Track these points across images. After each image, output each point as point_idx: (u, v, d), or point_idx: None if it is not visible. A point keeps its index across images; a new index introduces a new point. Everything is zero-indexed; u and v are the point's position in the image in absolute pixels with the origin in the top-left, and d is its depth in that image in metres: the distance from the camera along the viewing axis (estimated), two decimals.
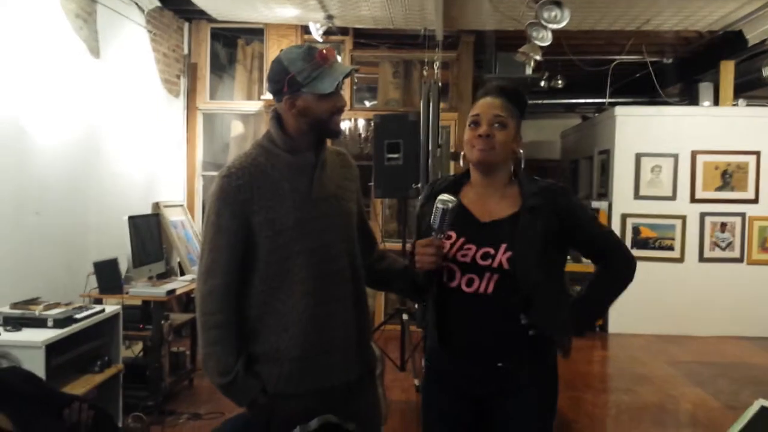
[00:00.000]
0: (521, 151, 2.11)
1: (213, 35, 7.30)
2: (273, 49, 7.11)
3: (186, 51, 7.13)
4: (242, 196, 1.93)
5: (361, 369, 2.09)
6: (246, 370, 1.95)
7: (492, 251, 1.99)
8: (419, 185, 5.02)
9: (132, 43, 5.86)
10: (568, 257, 2.25)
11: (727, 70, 7.64)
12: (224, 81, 7.73)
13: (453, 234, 2.02)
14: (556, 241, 2.02)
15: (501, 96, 2.07)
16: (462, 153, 2.15)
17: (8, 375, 2.00)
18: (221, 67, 7.68)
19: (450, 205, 1.94)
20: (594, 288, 2.12)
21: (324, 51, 1.96)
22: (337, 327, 2.01)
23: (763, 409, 1.89)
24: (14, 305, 3.65)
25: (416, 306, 5.39)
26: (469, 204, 2.06)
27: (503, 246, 1.98)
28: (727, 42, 7.14)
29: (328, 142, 2.12)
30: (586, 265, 6.78)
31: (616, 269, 2.11)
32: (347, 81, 7.21)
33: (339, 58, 2.28)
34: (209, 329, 1.96)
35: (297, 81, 1.92)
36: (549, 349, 2.05)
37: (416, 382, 4.75)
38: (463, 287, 2.01)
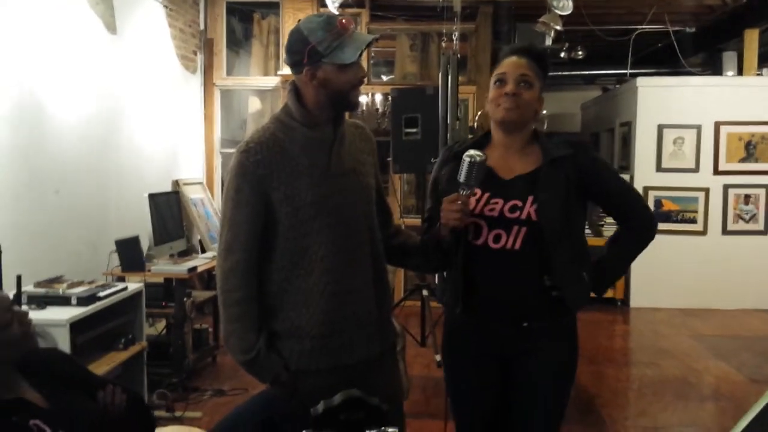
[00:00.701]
0: (544, 111, 2.11)
1: (229, 10, 7.25)
2: (289, 23, 7.05)
3: (202, 26, 7.09)
4: (261, 171, 1.91)
5: (383, 345, 2.08)
6: (268, 347, 1.95)
7: (519, 203, 2.00)
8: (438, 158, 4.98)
9: (148, 18, 5.83)
10: (587, 231, 2.25)
11: (752, 38, 7.47)
12: (241, 56, 7.69)
13: (478, 191, 2.02)
14: (578, 192, 2.04)
15: (526, 56, 2.07)
16: (478, 118, 2.15)
17: (48, 356, 2.03)
18: (237, 42, 7.64)
19: (478, 158, 1.92)
20: (615, 247, 2.16)
21: (344, 20, 1.92)
22: (357, 303, 2.00)
23: None
24: (38, 284, 3.68)
25: (436, 281, 5.39)
26: (492, 163, 2.05)
27: (530, 198, 1.99)
28: (752, 10, 6.99)
29: (346, 115, 2.10)
30: (606, 239, 6.74)
31: (637, 228, 2.15)
32: (365, 55, 7.13)
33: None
34: (230, 306, 1.95)
35: (318, 51, 1.88)
36: (570, 310, 2.07)
37: (437, 357, 4.74)
38: (491, 243, 2.02)
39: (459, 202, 1.94)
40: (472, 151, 1.94)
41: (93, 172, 4.85)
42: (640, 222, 2.14)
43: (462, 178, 1.93)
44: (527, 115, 2.06)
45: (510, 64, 2.06)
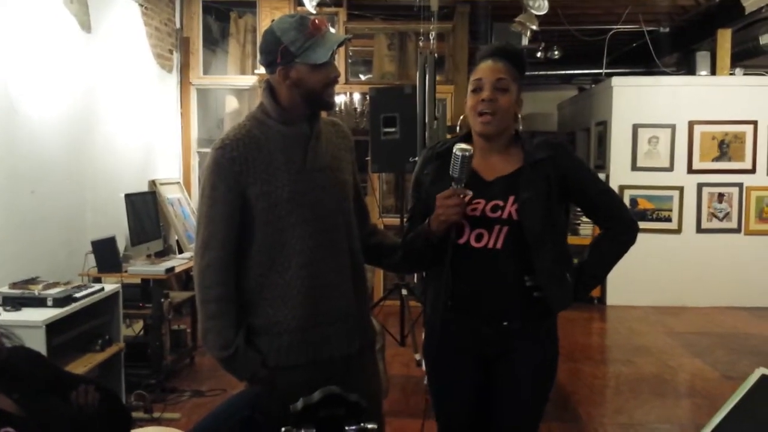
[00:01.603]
0: (520, 117, 2.12)
1: (205, 8, 7.20)
2: (266, 22, 7.02)
3: (178, 25, 7.04)
4: (237, 168, 1.92)
5: (361, 340, 2.09)
6: (246, 343, 1.95)
7: (501, 203, 2.01)
8: (416, 158, 4.99)
9: (123, 17, 5.78)
10: (568, 223, 2.26)
11: (724, 38, 7.59)
12: (217, 55, 7.65)
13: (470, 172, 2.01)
14: (559, 193, 2.04)
15: (502, 58, 2.06)
16: (459, 124, 2.16)
17: (14, 357, 1.98)
18: (214, 41, 7.60)
19: (468, 153, 1.93)
20: (596, 252, 2.16)
21: (316, 20, 1.93)
22: (335, 298, 2.01)
23: (763, 377, 1.89)
24: (13, 285, 3.63)
25: (415, 280, 5.40)
26: (474, 164, 2.05)
27: (511, 198, 2.01)
28: (724, 10, 7.09)
29: (323, 113, 2.10)
30: (583, 237, 6.79)
31: (618, 232, 2.15)
32: (342, 54, 7.14)
33: (332, 29, 2.24)
34: (208, 303, 1.95)
35: (290, 51, 1.90)
36: (550, 310, 2.08)
37: (417, 356, 4.76)
38: (473, 242, 2.02)
39: (456, 196, 1.94)
40: (462, 145, 1.94)
41: (69, 172, 4.80)
42: (622, 226, 2.14)
43: (456, 172, 1.93)
44: (505, 122, 2.05)
45: (485, 69, 2.05)
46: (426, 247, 2.05)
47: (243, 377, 2.02)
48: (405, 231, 2.21)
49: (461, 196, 1.95)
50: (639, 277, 7.07)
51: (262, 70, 6.82)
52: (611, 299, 7.38)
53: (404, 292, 5.10)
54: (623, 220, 2.14)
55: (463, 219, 2.00)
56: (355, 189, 2.17)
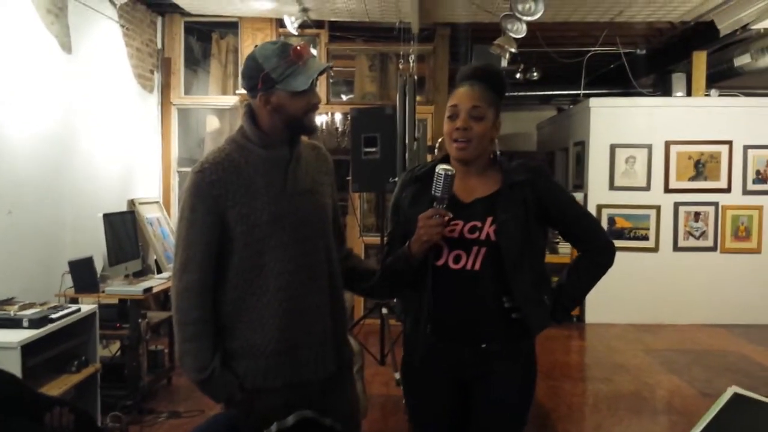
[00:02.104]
0: (496, 140, 2.13)
1: (187, 29, 7.23)
2: (248, 43, 7.06)
3: (159, 45, 7.06)
4: (216, 191, 1.93)
5: (339, 363, 2.10)
6: (223, 366, 1.96)
7: (479, 224, 2.02)
8: (397, 179, 5.02)
9: (104, 38, 5.78)
10: (546, 244, 2.28)
11: (700, 60, 7.73)
12: (199, 76, 7.66)
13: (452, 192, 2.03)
14: (537, 217, 2.06)
15: (479, 82, 2.07)
16: (437, 145, 2.17)
17: None
18: (195, 61, 7.62)
19: (450, 172, 1.94)
20: (574, 274, 2.17)
21: (298, 48, 1.96)
22: (312, 322, 2.01)
23: (736, 395, 1.92)
24: None
25: (395, 300, 5.41)
26: None
27: (489, 219, 2.02)
28: (699, 33, 7.22)
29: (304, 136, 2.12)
30: (562, 255, 6.84)
31: (595, 255, 2.17)
32: (324, 75, 7.19)
33: (315, 53, 2.26)
34: (185, 325, 1.96)
35: (271, 78, 1.92)
36: (529, 332, 2.08)
37: (396, 375, 4.76)
38: (451, 264, 2.03)
39: (438, 216, 1.95)
40: (444, 165, 1.97)
41: (47, 192, 4.78)
42: (599, 249, 2.15)
43: (438, 191, 1.95)
44: (481, 148, 2.07)
45: (461, 95, 2.07)
46: (406, 269, 2.06)
47: (219, 400, 2.02)
48: (384, 254, 2.21)
49: (443, 216, 1.96)
50: (617, 296, 7.13)
51: (243, 90, 6.86)
52: (590, 317, 7.42)
53: (384, 311, 5.10)
54: (600, 243, 2.16)
55: (441, 240, 2.01)
56: (333, 212, 2.19)
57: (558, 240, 7.06)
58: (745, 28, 6.43)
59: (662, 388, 5.23)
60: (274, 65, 1.92)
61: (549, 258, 5.99)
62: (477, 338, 2.05)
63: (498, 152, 2.16)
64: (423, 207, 2.00)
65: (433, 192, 1.96)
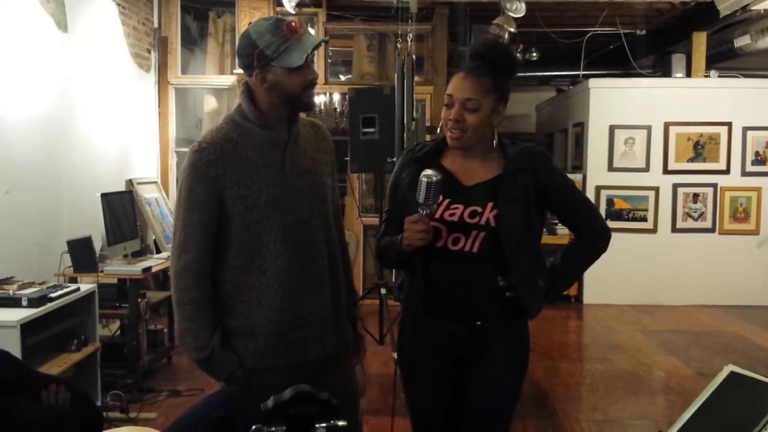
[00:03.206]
0: (495, 128, 2.10)
1: (183, 8, 7.17)
2: (244, 22, 7.00)
3: (156, 24, 7.00)
4: (214, 171, 1.92)
5: (338, 343, 2.10)
6: (222, 345, 1.96)
7: (479, 209, 2.02)
8: (395, 159, 5.00)
9: (100, 16, 5.74)
10: (544, 229, 2.28)
11: (699, 41, 7.69)
12: (196, 55, 7.62)
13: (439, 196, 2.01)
14: (537, 202, 2.06)
15: (479, 68, 2.02)
16: (439, 127, 2.15)
17: None
18: (192, 40, 7.57)
19: (434, 178, 1.92)
20: (569, 257, 2.19)
21: (293, 23, 1.92)
22: (311, 302, 2.01)
23: (732, 374, 1.93)
24: None
25: (393, 279, 5.42)
26: (453, 168, 2.07)
27: (490, 204, 2.01)
28: (699, 13, 7.18)
29: (302, 114, 2.11)
30: (561, 237, 6.84)
31: (591, 239, 2.18)
32: (321, 54, 7.15)
33: (311, 30, 2.22)
34: (184, 304, 1.96)
35: (265, 55, 1.89)
36: (522, 310, 2.09)
37: (395, 355, 4.76)
38: (449, 246, 2.03)
39: (422, 222, 1.94)
40: (429, 171, 1.93)
41: (44, 172, 4.76)
42: (595, 234, 2.17)
43: (421, 198, 1.93)
44: (476, 137, 2.04)
45: (456, 85, 2.03)
46: (397, 260, 2.08)
47: (220, 378, 2.02)
48: (381, 233, 2.21)
49: (426, 221, 1.95)
50: (615, 276, 7.15)
51: (240, 70, 6.82)
52: (588, 298, 7.45)
53: (383, 291, 5.11)
54: (597, 229, 2.17)
55: (440, 224, 2.00)
56: (332, 192, 2.17)
57: (556, 221, 7.06)
58: (745, 8, 6.39)
59: (659, 368, 5.26)
60: (267, 42, 1.89)
61: (547, 239, 6.00)
62: (471, 317, 2.06)
63: (496, 134, 2.14)
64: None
65: (417, 197, 1.94)
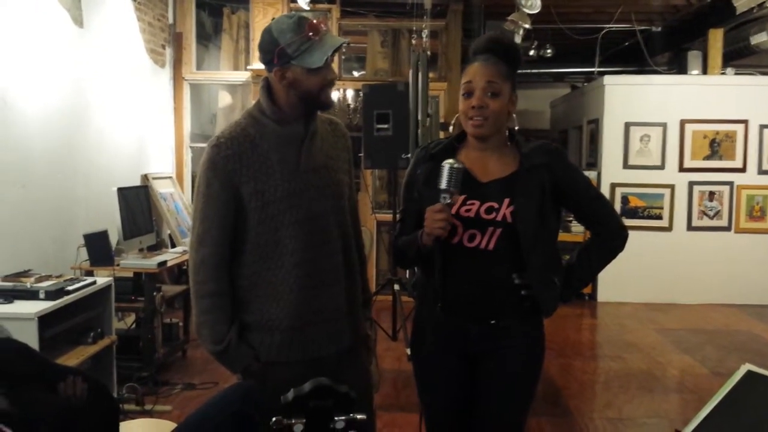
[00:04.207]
0: (514, 115, 2.10)
1: (198, 4, 7.20)
2: (259, 18, 7.03)
3: (171, 20, 7.03)
4: (231, 166, 1.93)
5: (352, 339, 2.11)
6: (239, 338, 1.97)
7: (496, 205, 2.01)
8: (409, 155, 5.00)
9: (116, 12, 5.77)
10: (560, 226, 2.27)
11: (716, 38, 7.63)
12: (210, 51, 7.65)
13: (458, 197, 2.01)
14: (553, 199, 2.05)
15: (492, 57, 2.03)
16: (453, 122, 2.15)
17: (3, 350, 1.99)
18: (207, 36, 7.60)
19: (456, 165, 1.93)
20: (585, 256, 2.17)
21: (315, 22, 1.93)
22: (327, 297, 2.02)
23: (749, 373, 1.92)
24: (5, 278, 3.64)
25: (407, 275, 5.42)
26: (469, 164, 2.05)
27: (506, 200, 2.00)
28: (716, 10, 7.13)
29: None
30: (575, 234, 6.81)
31: (607, 239, 2.16)
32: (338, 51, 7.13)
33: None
34: (202, 297, 1.97)
35: (286, 53, 1.90)
36: (537, 309, 2.08)
37: (408, 351, 4.77)
38: (465, 242, 2.02)
39: (443, 211, 1.93)
40: (451, 160, 1.94)
41: (61, 166, 4.80)
42: (611, 233, 2.15)
43: (443, 184, 1.93)
44: (498, 124, 2.04)
45: (475, 71, 2.02)
46: (417, 256, 2.07)
47: (236, 371, 2.03)
48: (397, 232, 2.21)
49: (448, 210, 1.94)
50: (630, 274, 7.12)
51: (255, 65, 6.87)
52: (602, 296, 7.43)
53: (396, 287, 5.12)
54: (613, 228, 2.15)
55: (456, 220, 2.00)
56: (349, 188, 2.17)
57: (571, 218, 7.04)
58: (762, 5, 6.33)
59: (674, 367, 5.23)
60: (289, 40, 1.89)
61: (562, 236, 5.96)
62: (486, 315, 2.05)
63: (516, 126, 2.14)
64: (436, 187, 1.98)
65: (439, 184, 1.94)
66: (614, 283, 7.21)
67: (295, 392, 1.47)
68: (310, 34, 1.91)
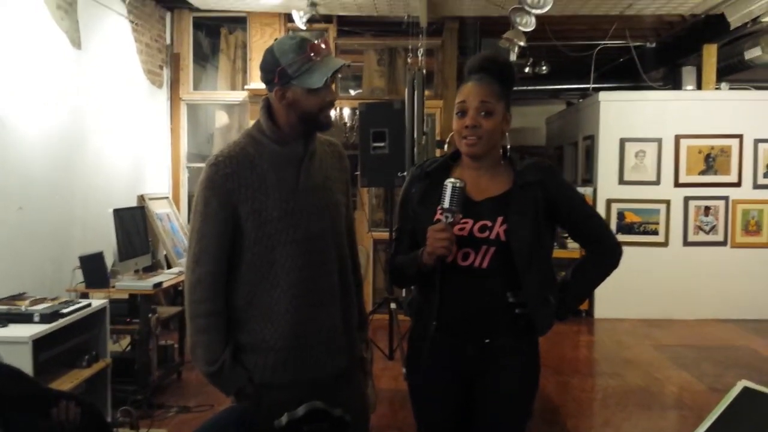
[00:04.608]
0: (506, 134, 2.11)
1: (195, 24, 7.24)
2: (256, 38, 7.07)
3: (168, 41, 7.07)
4: (229, 185, 1.94)
5: (348, 359, 2.10)
6: (233, 359, 1.97)
7: (489, 223, 2.01)
8: (405, 173, 5.01)
9: (114, 33, 5.80)
10: (554, 243, 2.27)
11: (710, 53, 7.69)
12: (207, 71, 7.68)
13: (459, 215, 2.01)
14: (547, 217, 2.06)
15: (486, 76, 2.05)
16: (447, 140, 2.16)
17: None
18: (204, 56, 7.64)
19: (458, 184, 1.94)
20: (579, 274, 2.17)
21: (316, 43, 1.95)
22: (322, 318, 2.02)
23: (745, 389, 1.91)
24: (0, 301, 3.62)
25: (404, 294, 5.42)
26: None
27: (500, 219, 2.01)
28: (710, 25, 7.18)
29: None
30: (571, 251, 6.81)
31: (602, 256, 2.17)
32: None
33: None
34: (198, 317, 1.97)
35: (287, 73, 1.92)
36: (532, 327, 2.08)
37: (405, 370, 4.76)
38: (459, 261, 2.02)
39: (445, 230, 1.93)
40: (452, 179, 1.96)
41: (57, 188, 4.80)
42: (606, 250, 2.15)
43: (446, 203, 1.94)
44: (492, 143, 2.05)
45: (469, 91, 2.04)
46: (417, 276, 2.07)
47: (229, 393, 2.03)
48: (393, 250, 2.21)
49: (450, 229, 1.94)
50: (626, 290, 7.10)
51: (252, 85, 6.90)
52: (599, 312, 7.41)
53: (393, 306, 5.11)
54: (607, 245, 2.16)
55: (450, 251, 1.99)
56: (346, 209, 2.18)
57: (567, 235, 7.04)
58: (755, 20, 6.39)
59: (672, 384, 5.22)
60: (290, 60, 1.92)
61: (558, 253, 5.94)
62: (481, 334, 2.05)
63: (507, 145, 2.15)
64: (432, 206, 2.00)
65: (441, 203, 1.95)
66: (611, 299, 7.20)
67: (288, 416, 1.47)
68: (312, 55, 1.93)
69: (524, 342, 2.10)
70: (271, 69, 1.94)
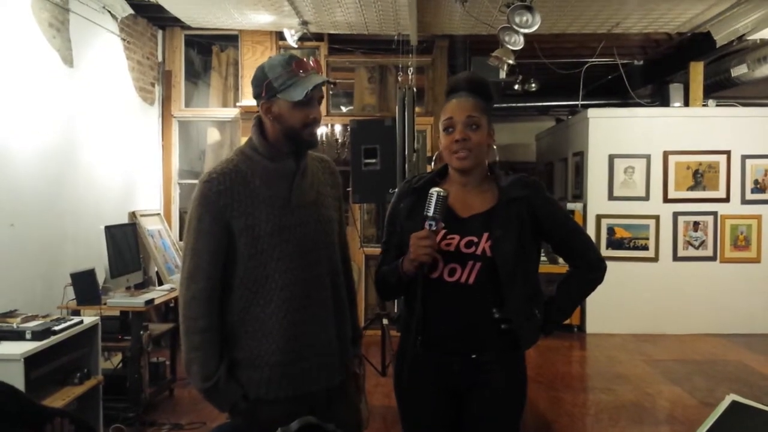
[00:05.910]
0: (494, 147, 2.16)
1: (187, 42, 7.28)
2: (248, 56, 7.11)
3: (160, 58, 7.10)
4: (223, 201, 1.96)
5: (342, 374, 2.11)
6: (228, 375, 1.97)
7: (475, 239, 2.04)
8: (396, 189, 5.03)
9: (106, 51, 5.83)
10: (544, 258, 2.30)
11: (697, 71, 7.78)
12: (199, 88, 7.70)
13: (440, 225, 2.04)
14: (532, 232, 2.09)
15: (470, 93, 2.11)
16: (436, 156, 2.20)
17: None
18: (196, 74, 7.66)
19: (443, 193, 1.98)
20: (564, 289, 2.21)
21: (303, 60, 2.00)
22: (316, 333, 2.03)
23: (734, 403, 1.93)
24: None
25: (395, 310, 5.42)
26: (450, 200, 2.08)
27: (486, 234, 2.04)
28: (696, 43, 7.27)
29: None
30: (561, 266, 6.83)
31: (586, 271, 2.21)
32: (324, 87, 7.20)
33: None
34: (192, 334, 1.97)
35: (273, 86, 1.97)
36: (518, 342, 2.10)
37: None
38: (445, 277, 2.05)
39: (429, 237, 1.97)
40: (437, 188, 2.00)
41: (49, 205, 4.80)
42: (590, 265, 2.19)
43: (430, 211, 1.98)
44: (480, 157, 2.10)
45: (455, 107, 2.10)
46: (398, 284, 2.10)
47: (224, 409, 2.03)
48: (379, 263, 2.24)
49: (433, 236, 1.98)
50: (617, 305, 7.14)
51: (244, 102, 6.93)
52: (591, 327, 7.43)
53: (385, 321, 5.11)
54: (591, 260, 2.19)
55: (436, 254, 2.02)
56: (339, 225, 2.20)
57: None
58: (741, 38, 6.47)
59: (663, 398, 5.23)
60: (277, 74, 1.97)
61: (549, 268, 6.01)
62: (467, 349, 2.07)
63: (496, 159, 2.19)
64: (419, 220, 2.02)
65: (425, 211, 1.99)
66: (602, 314, 7.22)
67: (282, 431, 1.47)
68: (298, 70, 1.98)
69: (511, 357, 2.11)
70: (259, 83, 2.00)
